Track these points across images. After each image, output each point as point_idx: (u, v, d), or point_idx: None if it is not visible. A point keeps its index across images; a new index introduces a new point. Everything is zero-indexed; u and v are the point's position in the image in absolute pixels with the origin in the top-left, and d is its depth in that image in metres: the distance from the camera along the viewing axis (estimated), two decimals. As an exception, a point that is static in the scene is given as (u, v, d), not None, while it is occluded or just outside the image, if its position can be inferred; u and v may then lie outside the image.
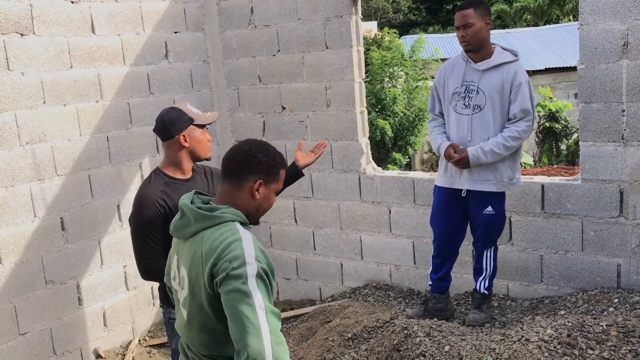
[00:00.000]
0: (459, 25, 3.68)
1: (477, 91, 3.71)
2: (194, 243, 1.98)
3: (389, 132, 12.36)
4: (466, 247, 4.22)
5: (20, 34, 4.00)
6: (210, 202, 2.08)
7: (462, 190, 3.81)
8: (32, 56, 4.06)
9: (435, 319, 3.90)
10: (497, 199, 3.80)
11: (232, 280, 1.83)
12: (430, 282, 4.08)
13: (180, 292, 2.06)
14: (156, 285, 2.98)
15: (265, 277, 1.88)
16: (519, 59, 3.77)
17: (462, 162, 3.70)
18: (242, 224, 1.99)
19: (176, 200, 2.54)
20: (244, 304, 1.80)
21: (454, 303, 4.33)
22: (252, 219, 2.08)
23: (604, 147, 3.88)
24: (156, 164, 4.77)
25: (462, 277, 4.46)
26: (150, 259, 2.73)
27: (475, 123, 3.72)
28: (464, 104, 3.75)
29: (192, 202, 2.07)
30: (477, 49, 3.71)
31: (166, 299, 2.85)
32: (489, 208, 3.78)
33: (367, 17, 30.40)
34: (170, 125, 2.78)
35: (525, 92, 3.65)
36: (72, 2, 4.30)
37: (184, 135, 2.77)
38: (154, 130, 2.85)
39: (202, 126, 2.83)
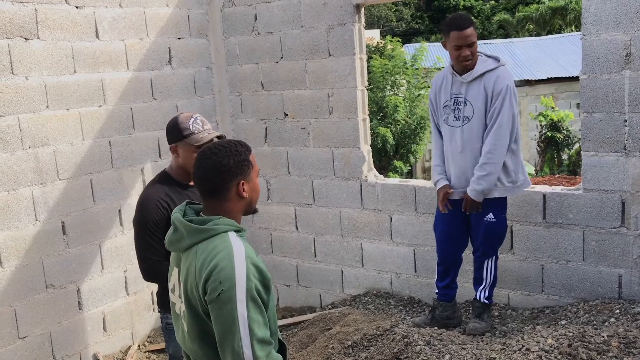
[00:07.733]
0: (463, 44, 3.63)
1: (465, 102, 3.75)
2: (189, 257, 1.94)
3: (391, 140, 12.37)
4: (467, 256, 4.21)
5: (25, 38, 4.02)
6: (201, 213, 2.02)
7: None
8: (36, 60, 4.08)
9: (440, 327, 3.89)
10: (498, 206, 3.81)
11: (220, 303, 1.81)
12: (437, 290, 4.08)
13: (180, 305, 2.02)
14: (156, 290, 2.97)
15: (258, 296, 1.84)
16: (504, 64, 3.75)
17: (475, 206, 3.74)
18: (237, 231, 1.95)
19: (179, 204, 2.55)
20: (228, 332, 1.80)
21: (455, 312, 4.32)
22: (249, 211, 2.06)
23: (606, 157, 3.88)
24: (158, 169, 4.79)
25: (462, 286, 4.44)
26: (153, 260, 2.74)
27: (466, 134, 3.75)
28: (455, 116, 3.80)
29: (184, 214, 2.02)
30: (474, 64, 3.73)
31: (164, 303, 2.84)
32: (490, 215, 3.79)
33: (369, 25, 30.46)
34: (167, 133, 2.84)
35: (500, 100, 3.63)
36: (77, 7, 4.31)
37: (175, 147, 2.80)
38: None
39: (195, 145, 2.72)
